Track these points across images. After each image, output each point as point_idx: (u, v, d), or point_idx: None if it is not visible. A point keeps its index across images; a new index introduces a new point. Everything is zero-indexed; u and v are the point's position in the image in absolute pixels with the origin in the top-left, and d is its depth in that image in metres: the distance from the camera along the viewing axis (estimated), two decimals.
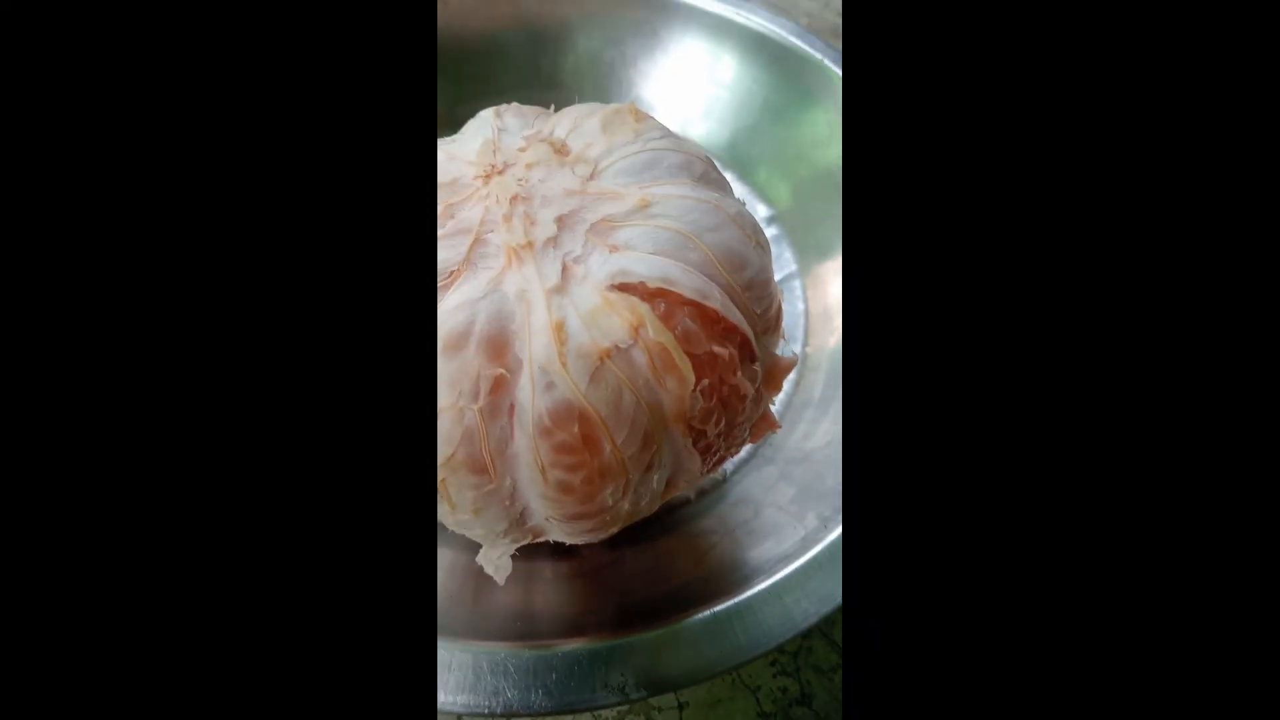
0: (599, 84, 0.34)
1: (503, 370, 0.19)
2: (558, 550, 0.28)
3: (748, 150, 0.36)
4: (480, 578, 0.24)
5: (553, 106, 0.24)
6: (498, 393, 0.19)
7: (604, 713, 0.28)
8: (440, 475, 0.20)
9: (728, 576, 0.25)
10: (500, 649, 0.23)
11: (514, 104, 0.23)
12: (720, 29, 0.35)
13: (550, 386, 0.19)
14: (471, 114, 0.24)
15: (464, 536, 0.23)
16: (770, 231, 0.36)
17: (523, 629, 0.24)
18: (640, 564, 0.28)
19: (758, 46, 0.36)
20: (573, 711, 0.27)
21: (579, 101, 0.24)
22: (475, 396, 0.19)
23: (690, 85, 0.37)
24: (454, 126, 0.24)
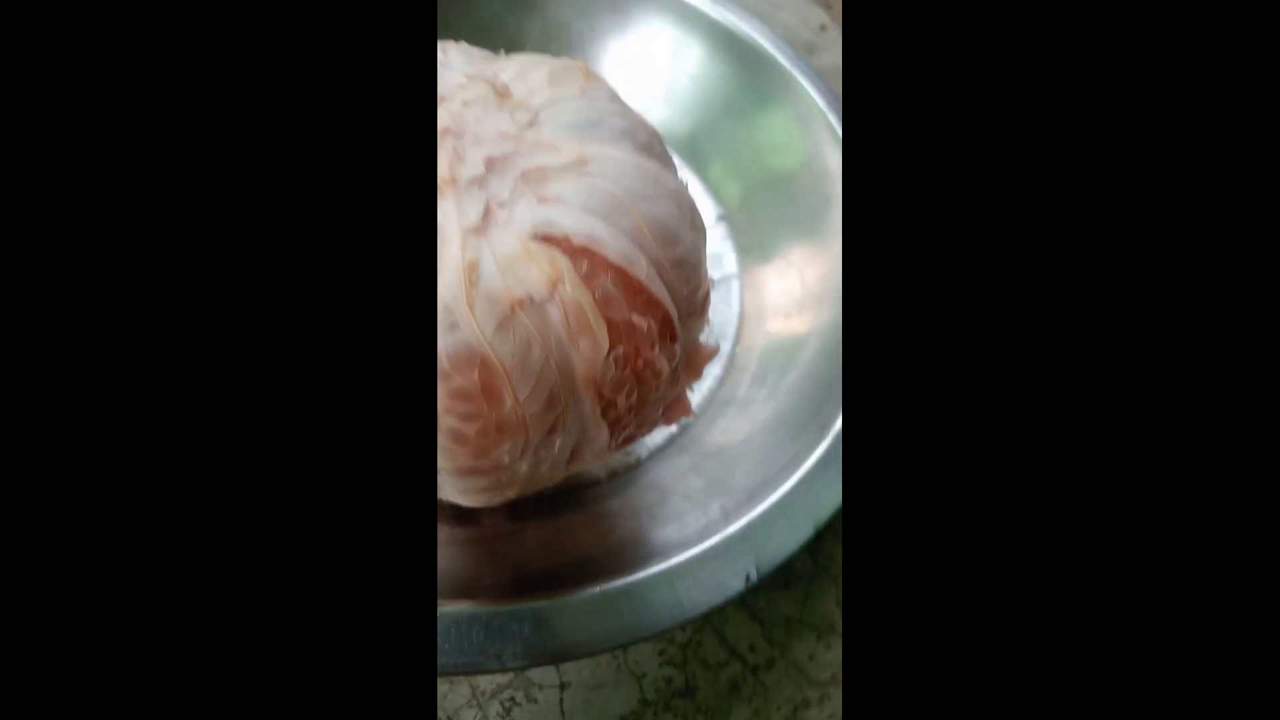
0: (564, 52, 0.34)
1: None
2: (458, 515, 0.27)
3: (705, 144, 0.36)
4: None
5: (502, 51, 0.23)
6: None
7: (484, 685, 0.27)
8: None
9: (625, 555, 0.24)
10: None
11: (462, 42, 0.23)
12: (692, 20, 0.35)
13: (453, 327, 0.18)
14: None
15: None
16: (719, 231, 0.36)
17: None
18: (540, 537, 0.27)
19: (728, 44, 0.36)
20: (449, 675, 0.26)
21: None
22: None
23: (657, 70, 0.36)
24: None
